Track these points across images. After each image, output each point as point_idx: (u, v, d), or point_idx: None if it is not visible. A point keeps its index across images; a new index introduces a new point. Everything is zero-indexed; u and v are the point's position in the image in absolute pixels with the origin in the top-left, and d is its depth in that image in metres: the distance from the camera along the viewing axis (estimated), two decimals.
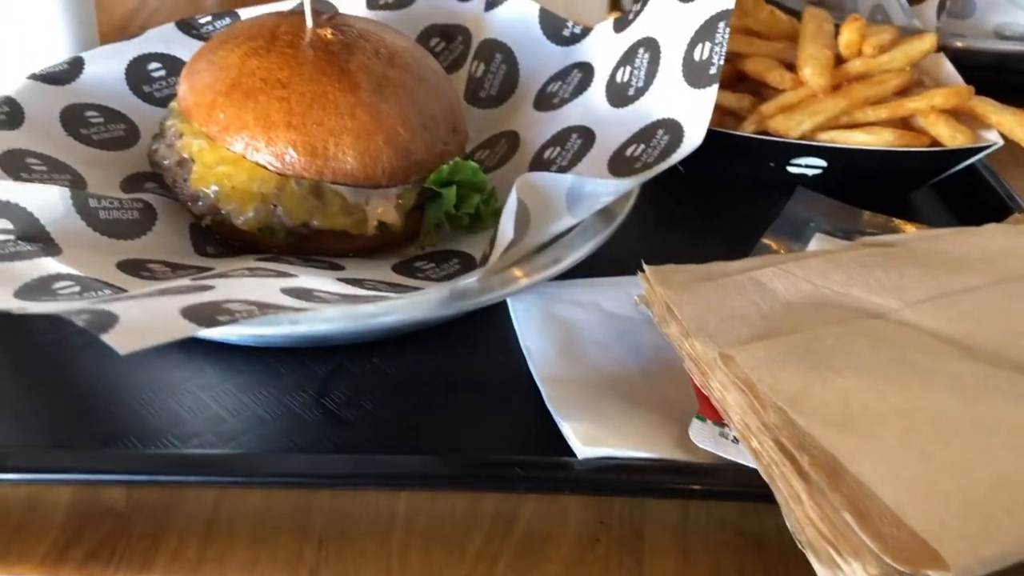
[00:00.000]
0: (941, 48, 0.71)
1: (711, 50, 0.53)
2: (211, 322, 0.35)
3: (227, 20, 0.68)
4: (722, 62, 0.52)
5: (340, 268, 0.51)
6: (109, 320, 0.33)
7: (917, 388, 0.40)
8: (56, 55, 0.67)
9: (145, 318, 0.34)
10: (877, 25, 0.64)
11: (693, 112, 0.52)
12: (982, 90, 0.66)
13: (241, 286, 0.41)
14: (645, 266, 0.47)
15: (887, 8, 0.80)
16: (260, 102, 0.50)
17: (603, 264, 0.52)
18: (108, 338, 0.32)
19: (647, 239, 0.56)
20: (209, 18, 0.67)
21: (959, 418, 0.39)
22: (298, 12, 0.55)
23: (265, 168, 0.50)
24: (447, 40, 0.69)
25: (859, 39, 0.59)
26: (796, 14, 0.79)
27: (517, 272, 0.48)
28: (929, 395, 0.40)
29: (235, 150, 0.50)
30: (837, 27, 0.70)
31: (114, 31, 0.83)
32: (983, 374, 0.41)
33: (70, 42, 0.69)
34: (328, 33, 0.53)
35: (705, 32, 0.54)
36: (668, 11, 0.57)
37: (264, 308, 0.37)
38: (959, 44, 0.78)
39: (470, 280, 0.45)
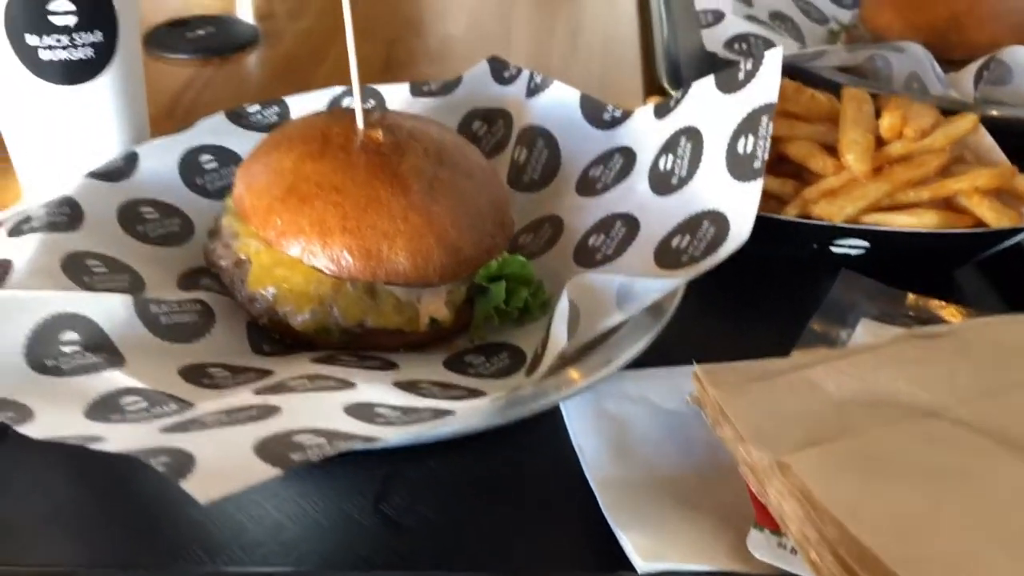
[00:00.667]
0: (981, 118, 0.72)
1: (755, 144, 0.54)
2: (285, 461, 0.36)
3: (275, 108, 0.70)
4: (766, 156, 0.53)
5: (394, 366, 0.52)
6: (187, 463, 0.34)
7: (976, 497, 0.40)
8: (111, 144, 0.69)
9: (220, 458, 0.35)
10: (917, 104, 0.65)
11: (738, 206, 0.53)
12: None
13: (306, 406, 0.42)
14: (697, 367, 0.47)
15: (923, 77, 0.80)
16: (316, 207, 0.51)
17: (649, 351, 0.52)
18: (188, 486, 0.33)
19: (693, 324, 0.56)
20: (257, 107, 0.69)
21: (1020, 527, 0.39)
22: (348, 112, 0.57)
23: (321, 271, 0.51)
24: (489, 124, 0.71)
25: (900, 123, 0.60)
26: (834, 86, 0.80)
27: (572, 374, 0.48)
28: (989, 504, 0.40)
29: (292, 254, 0.51)
30: (876, 103, 0.71)
31: (162, 114, 0.86)
32: None
33: (124, 130, 0.71)
34: (379, 135, 0.54)
35: (748, 125, 0.55)
36: (710, 101, 0.58)
37: (333, 440, 0.38)
38: (998, 113, 0.78)
39: (525, 390, 0.46)
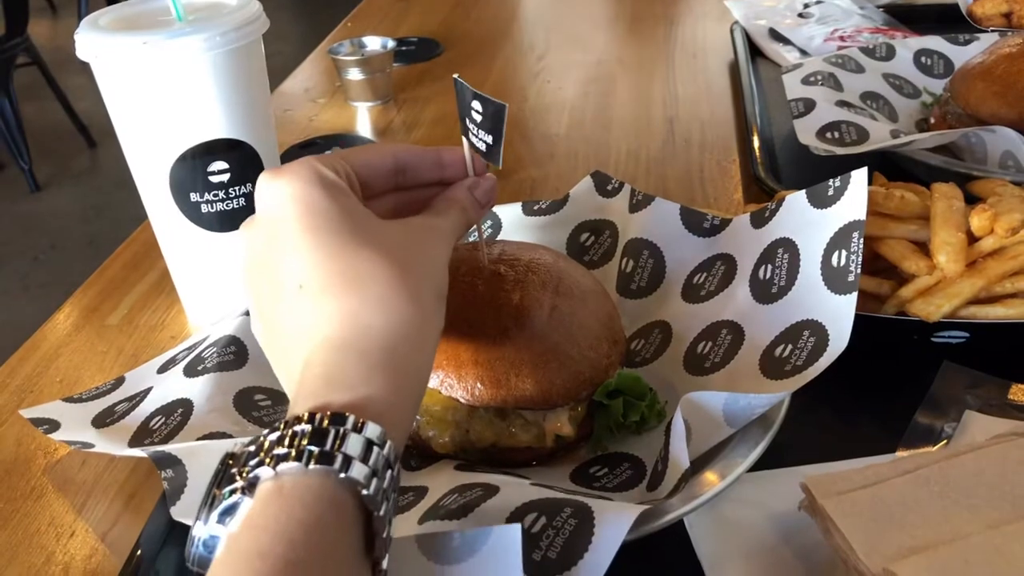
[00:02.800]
0: None
1: (847, 258, 0.58)
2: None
3: None
4: (859, 270, 0.57)
5: (525, 478, 0.58)
6: None
7: None
8: None
9: None
10: (1009, 196, 0.67)
11: (836, 317, 0.57)
12: None
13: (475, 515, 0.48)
14: (806, 477, 0.51)
15: (1016, 155, 0.82)
16: (450, 343, 0.58)
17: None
18: None
19: (804, 421, 0.59)
20: None
21: None
22: (472, 249, 0.63)
23: (457, 400, 0.57)
24: (596, 235, 0.77)
25: (990, 223, 0.63)
26: (929, 169, 0.83)
27: (692, 487, 0.53)
28: None
29: (431, 386, 0.58)
30: (970, 187, 0.74)
31: None
32: None
33: None
34: (501, 269, 0.60)
35: (840, 240, 0.59)
36: (803, 214, 0.63)
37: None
38: None
39: (649, 506, 0.51)
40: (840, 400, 0.66)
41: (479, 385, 0.57)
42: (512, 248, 0.64)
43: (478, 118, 0.53)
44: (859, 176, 0.59)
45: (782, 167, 0.96)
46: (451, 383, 0.57)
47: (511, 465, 0.59)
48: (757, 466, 0.56)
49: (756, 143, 0.99)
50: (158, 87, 0.68)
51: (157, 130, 0.70)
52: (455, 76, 0.54)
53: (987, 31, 1.16)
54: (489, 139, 0.53)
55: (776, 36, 1.29)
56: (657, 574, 0.54)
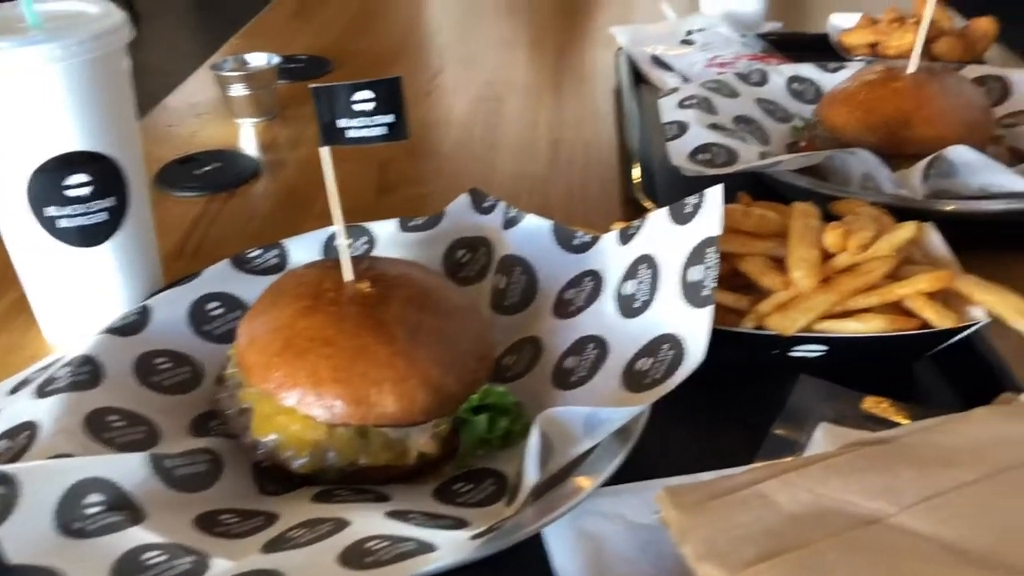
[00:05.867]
0: (930, 214, 0.77)
1: (703, 273, 0.59)
2: None
3: (274, 252, 0.76)
4: (715, 284, 0.58)
5: (386, 498, 0.57)
6: None
7: None
8: (126, 297, 0.76)
9: None
10: (864, 215, 0.70)
11: (693, 331, 0.58)
12: (974, 246, 0.71)
13: (309, 559, 0.47)
14: (662, 489, 0.52)
15: (876, 176, 0.86)
16: (309, 360, 0.57)
17: (623, 465, 0.56)
18: None
19: (664, 434, 0.60)
20: (259, 251, 0.76)
21: None
22: (335, 263, 0.62)
23: (316, 419, 0.56)
24: (472, 251, 0.77)
25: (843, 239, 0.65)
26: (795, 189, 0.86)
27: (550, 502, 0.53)
28: None
29: (289, 404, 0.57)
30: (832, 207, 0.76)
31: (173, 252, 0.93)
32: None
33: (138, 283, 0.77)
34: (366, 287, 0.60)
35: (696, 256, 0.60)
36: (664, 231, 0.64)
37: None
38: (949, 208, 0.84)
39: (505, 522, 0.51)
40: (701, 413, 0.67)
41: (338, 403, 0.56)
42: (379, 264, 0.64)
43: (369, 107, 0.53)
44: (714, 194, 0.61)
45: (659, 188, 0.98)
46: (309, 401, 0.56)
47: (373, 484, 0.59)
48: (617, 479, 0.56)
49: (635, 164, 1.01)
50: (10, 96, 0.65)
51: (11, 141, 0.67)
52: (311, 86, 0.53)
53: (854, 59, 1.21)
54: (390, 118, 0.53)
55: (659, 63, 1.32)
56: None
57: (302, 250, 0.76)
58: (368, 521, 0.51)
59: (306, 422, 0.57)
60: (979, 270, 0.68)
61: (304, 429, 0.57)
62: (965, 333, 0.65)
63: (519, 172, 1.09)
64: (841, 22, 1.35)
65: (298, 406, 0.56)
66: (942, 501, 0.51)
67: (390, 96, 0.52)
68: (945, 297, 0.67)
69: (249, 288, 0.71)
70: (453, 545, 0.48)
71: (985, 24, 1.22)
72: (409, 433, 0.58)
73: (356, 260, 0.63)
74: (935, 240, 0.73)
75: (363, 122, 0.54)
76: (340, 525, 0.50)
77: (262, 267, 0.75)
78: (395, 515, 0.52)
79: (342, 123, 0.54)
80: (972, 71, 1.06)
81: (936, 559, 0.47)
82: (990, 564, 0.47)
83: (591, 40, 1.58)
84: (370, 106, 0.53)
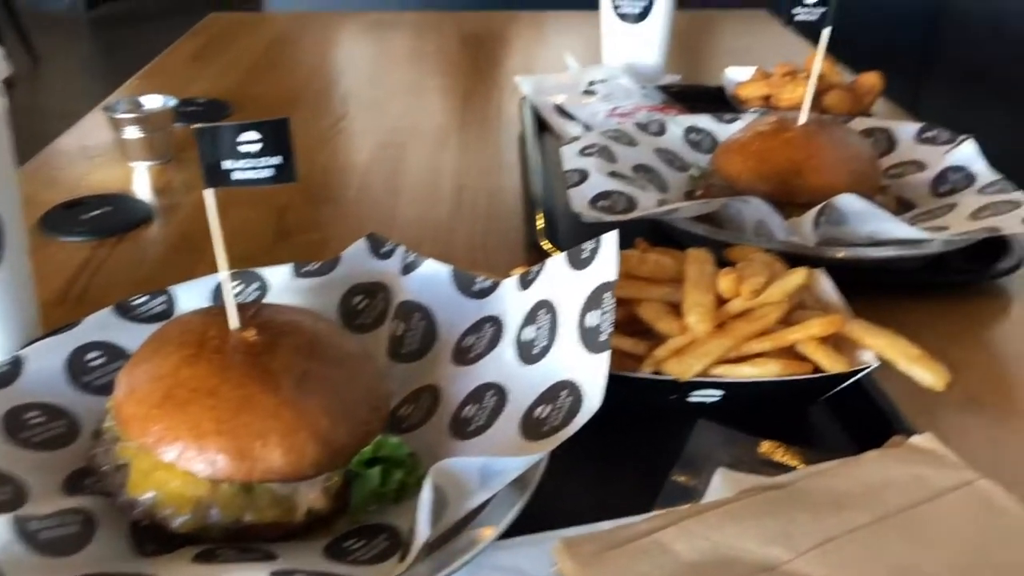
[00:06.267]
0: (822, 261, 0.79)
1: (600, 318, 0.59)
2: None
3: (161, 299, 0.73)
4: (611, 329, 0.58)
5: (273, 557, 0.54)
6: None
7: None
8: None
9: None
10: (757, 262, 0.71)
11: (590, 376, 0.58)
12: (864, 292, 0.73)
13: None
14: (557, 541, 0.51)
15: (769, 224, 0.88)
16: (191, 412, 0.54)
17: (521, 516, 0.55)
18: None
19: (564, 483, 0.59)
20: (145, 298, 0.72)
21: None
22: (220, 311, 0.60)
23: (197, 475, 0.53)
24: (370, 297, 0.75)
25: (736, 285, 0.66)
26: (692, 237, 0.87)
27: (443, 556, 0.51)
28: None
29: (168, 459, 0.53)
30: (727, 254, 0.77)
31: (54, 299, 0.88)
32: None
33: (11, 333, 0.73)
34: (252, 335, 0.57)
35: (593, 301, 0.60)
36: (562, 276, 0.64)
37: None
38: (839, 255, 0.86)
39: None
40: (601, 460, 0.67)
41: (221, 457, 0.53)
42: (267, 311, 0.61)
43: (255, 148, 0.51)
44: (609, 239, 0.61)
45: (562, 234, 0.98)
46: (190, 456, 0.53)
47: (261, 542, 0.56)
48: (514, 531, 0.55)
49: (538, 211, 1.01)
50: None
51: None
52: (195, 127, 0.52)
53: (749, 111, 1.25)
54: (277, 160, 0.52)
55: (562, 112, 1.33)
56: None
57: (191, 297, 0.73)
58: None
59: (187, 478, 0.54)
60: (869, 315, 0.69)
61: (185, 485, 0.54)
62: (856, 377, 0.66)
63: (421, 218, 1.08)
64: (736, 75, 1.39)
65: (178, 461, 0.53)
66: (835, 546, 0.51)
67: (277, 137, 0.51)
68: (837, 342, 0.68)
69: (133, 337, 0.68)
70: None
71: (872, 79, 1.28)
72: (298, 488, 0.55)
73: (243, 307, 0.60)
74: (826, 286, 0.75)
75: (250, 163, 0.52)
76: None
77: (147, 315, 0.71)
78: (280, 575, 0.49)
79: (227, 164, 0.52)
80: (860, 123, 1.10)
81: None
82: None
83: (497, 88, 1.59)
84: (257, 147, 0.51)
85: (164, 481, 0.54)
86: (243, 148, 0.52)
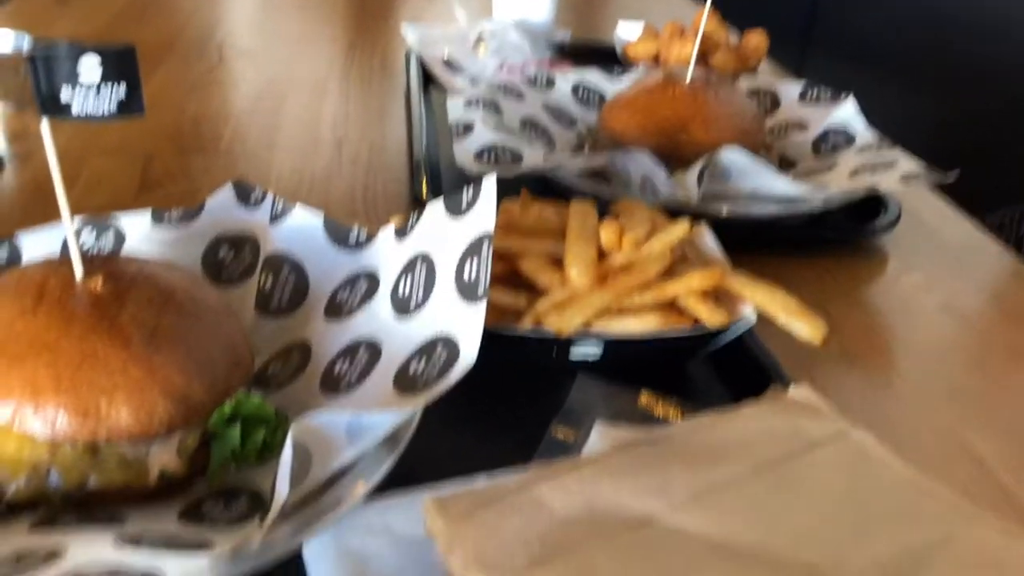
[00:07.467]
0: (705, 216, 0.78)
1: (478, 268, 0.56)
2: None
3: (3, 249, 0.66)
4: (488, 280, 0.56)
5: (121, 521, 0.50)
6: None
7: None
8: None
9: None
10: (639, 214, 0.70)
11: (466, 328, 0.55)
12: (746, 248, 0.73)
13: None
14: (426, 499, 0.48)
15: (654, 180, 0.87)
16: (26, 367, 0.49)
17: (393, 474, 0.53)
18: None
19: (439, 440, 0.57)
20: None
21: None
22: (63, 262, 0.55)
23: (34, 436, 0.49)
24: (236, 250, 0.70)
25: (618, 236, 0.65)
26: (579, 191, 0.85)
27: (307, 517, 0.48)
28: None
29: (1, 420, 0.49)
30: (611, 208, 0.76)
31: None
32: None
33: None
34: (98, 285, 0.53)
35: (472, 250, 0.57)
36: (440, 225, 0.61)
37: None
38: (724, 213, 0.86)
39: (254, 542, 0.45)
40: (479, 418, 0.65)
41: (62, 415, 0.49)
42: (117, 263, 0.57)
43: (95, 77, 0.46)
44: (488, 186, 0.58)
45: (446, 188, 0.95)
46: (25, 415, 0.49)
47: (107, 506, 0.51)
48: (384, 489, 0.52)
49: (422, 164, 0.98)
50: None
51: None
52: (26, 50, 0.46)
53: (637, 68, 1.24)
54: (122, 89, 0.48)
55: (450, 65, 1.30)
56: None
57: (38, 247, 0.67)
58: (88, 549, 0.44)
59: (22, 440, 0.49)
60: (750, 270, 0.69)
61: (20, 448, 0.49)
62: (736, 331, 0.66)
63: (298, 171, 1.03)
64: (626, 33, 1.38)
65: (12, 421, 0.49)
66: (712, 498, 0.50)
67: (122, 66, 0.46)
68: (717, 296, 0.67)
69: None
70: (187, 571, 0.43)
71: (757, 38, 1.28)
72: (149, 449, 0.51)
73: (91, 258, 0.55)
74: (708, 240, 0.74)
75: (92, 95, 0.47)
76: (51, 558, 0.43)
77: None
78: (124, 540, 0.45)
79: (65, 94, 0.47)
80: (745, 83, 1.10)
81: (706, 560, 0.46)
82: (758, 558, 0.47)
83: (384, 38, 1.54)
84: (97, 76, 0.46)
85: None
86: (83, 78, 0.47)
